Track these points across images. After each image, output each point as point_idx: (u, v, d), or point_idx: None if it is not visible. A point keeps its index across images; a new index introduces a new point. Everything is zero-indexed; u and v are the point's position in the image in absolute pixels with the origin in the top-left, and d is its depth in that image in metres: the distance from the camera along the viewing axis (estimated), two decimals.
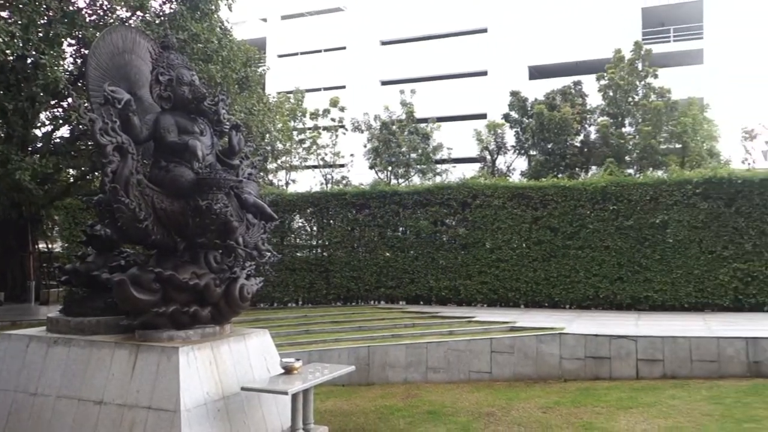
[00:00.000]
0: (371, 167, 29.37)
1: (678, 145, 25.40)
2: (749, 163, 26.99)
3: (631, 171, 24.75)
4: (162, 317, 6.23)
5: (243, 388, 6.27)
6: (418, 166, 28.90)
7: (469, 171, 26.76)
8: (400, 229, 16.09)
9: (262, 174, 20.74)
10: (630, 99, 25.92)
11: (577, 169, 26.27)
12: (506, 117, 28.27)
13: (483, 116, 33.96)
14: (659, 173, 21.22)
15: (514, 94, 28.13)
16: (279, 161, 27.04)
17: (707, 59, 35.43)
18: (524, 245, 14.97)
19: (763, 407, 8.30)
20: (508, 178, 26.40)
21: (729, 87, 33.61)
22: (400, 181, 28.28)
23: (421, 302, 15.73)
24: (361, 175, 29.64)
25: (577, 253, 14.42)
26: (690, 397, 9.03)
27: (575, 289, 14.41)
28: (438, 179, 28.18)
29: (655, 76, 25.82)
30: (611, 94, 26.08)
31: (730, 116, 29.69)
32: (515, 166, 28.90)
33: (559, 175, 23.78)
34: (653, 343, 10.30)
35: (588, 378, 10.53)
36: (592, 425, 8.03)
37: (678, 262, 13.67)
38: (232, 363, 6.50)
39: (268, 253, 7.03)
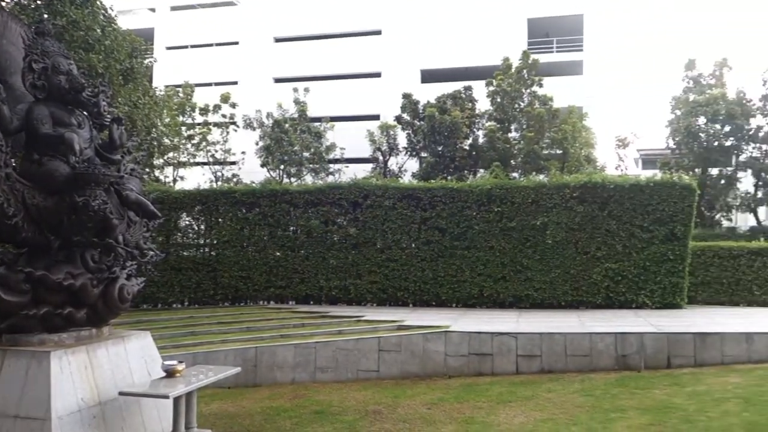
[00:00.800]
0: (263, 165, 28.99)
1: (559, 151, 26.73)
2: (622, 170, 28.85)
3: (516, 174, 25.85)
4: (32, 320, 5.88)
5: (121, 393, 6.02)
6: (311, 166, 28.83)
7: (362, 171, 26.99)
8: (291, 228, 15.98)
9: (147, 170, 19.93)
10: (516, 105, 27.04)
11: (466, 171, 27.10)
12: (398, 119, 28.73)
13: (376, 117, 34.32)
14: (541, 177, 22.26)
15: (407, 96, 28.64)
16: (166, 157, 26.09)
17: (586, 70, 37.56)
18: (413, 245, 15.25)
19: (628, 398, 8.90)
20: (399, 179, 26.86)
21: (606, 97, 35.77)
22: (293, 180, 28.09)
23: (311, 302, 15.68)
24: (252, 173, 29.17)
25: (464, 253, 14.87)
26: (564, 389, 9.54)
27: (461, 288, 14.86)
28: (331, 179, 28.22)
29: (540, 85, 27.07)
30: (499, 100, 27.10)
31: (606, 125, 31.63)
32: (407, 168, 29.41)
33: (449, 177, 24.46)
34: (532, 340, 10.80)
35: (471, 374, 10.89)
36: (474, 420, 8.31)
37: (556, 262, 14.40)
38: (109, 367, 6.23)
39: (151, 252, 6.80)
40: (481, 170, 27.14)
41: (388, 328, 11.91)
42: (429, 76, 39.10)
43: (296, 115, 29.41)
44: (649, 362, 10.46)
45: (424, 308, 14.83)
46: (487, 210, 14.82)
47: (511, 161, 26.54)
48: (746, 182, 26.95)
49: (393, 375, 11.10)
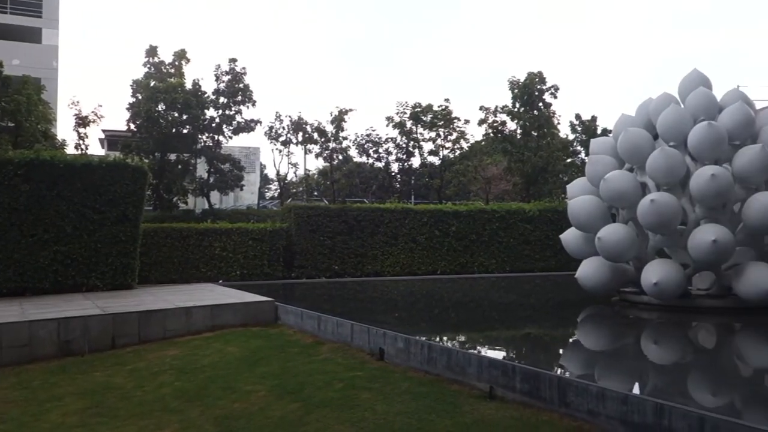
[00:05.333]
0: None
1: (12, 124, 24.25)
2: (83, 149, 27.83)
3: None
4: None
5: None
6: None
7: None
8: None
9: None
10: None
11: None
12: None
13: None
14: None
15: None
16: None
17: (46, 40, 34.98)
18: None
19: (68, 384, 8.62)
20: None
21: (67, 72, 34.06)
22: None
23: None
24: None
25: None
26: None
27: None
28: None
29: None
30: None
31: (67, 100, 30.14)
32: None
33: None
34: None
35: None
36: None
37: None
38: None
39: None
40: None
41: None
42: None
43: None
44: (93, 345, 10.35)
45: None
46: None
47: None
48: (201, 168, 29.21)
49: None
